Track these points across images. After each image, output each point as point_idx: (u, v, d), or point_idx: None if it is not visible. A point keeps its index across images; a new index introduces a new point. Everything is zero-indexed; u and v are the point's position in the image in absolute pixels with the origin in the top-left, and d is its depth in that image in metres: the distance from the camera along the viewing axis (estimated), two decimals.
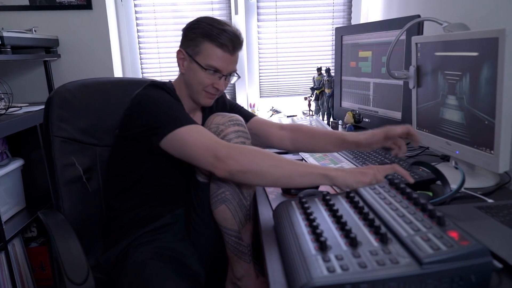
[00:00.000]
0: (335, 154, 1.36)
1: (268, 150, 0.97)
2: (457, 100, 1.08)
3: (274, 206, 0.97)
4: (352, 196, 0.82)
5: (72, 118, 1.16)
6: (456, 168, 1.10)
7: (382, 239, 0.63)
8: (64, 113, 1.14)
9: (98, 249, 1.15)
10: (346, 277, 0.55)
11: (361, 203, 0.77)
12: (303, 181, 0.90)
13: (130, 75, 2.30)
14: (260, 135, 1.23)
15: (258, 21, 2.32)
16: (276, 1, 2.30)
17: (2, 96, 1.71)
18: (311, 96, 2.12)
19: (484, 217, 0.83)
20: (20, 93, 2.04)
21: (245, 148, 0.94)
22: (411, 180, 0.92)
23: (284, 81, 2.43)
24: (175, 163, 1.02)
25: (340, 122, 1.90)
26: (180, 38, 1.13)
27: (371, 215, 0.70)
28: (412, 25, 1.27)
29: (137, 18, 2.26)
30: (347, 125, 1.76)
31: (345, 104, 1.87)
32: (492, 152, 0.96)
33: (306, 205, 0.80)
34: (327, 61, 2.38)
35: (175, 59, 1.13)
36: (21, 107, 1.77)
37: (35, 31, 1.90)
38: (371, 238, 0.65)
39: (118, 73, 2.20)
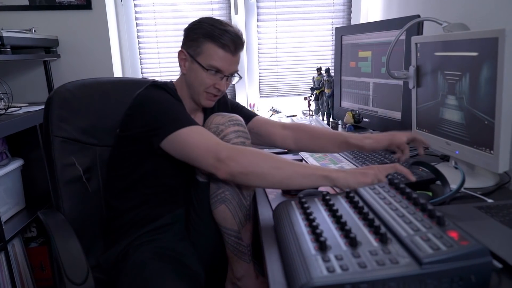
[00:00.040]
0: (335, 154, 1.36)
1: (267, 151, 0.97)
2: (457, 100, 1.08)
3: (273, 206, 0.97)
4: (351, 196, 0.82)
5: (72, 118, 1.16)
6: (456, 168, 1.10)
7: (382, 239, 0.63)
8: (64, 113, 1.14)
9: (98, 249, 1.15)
10: (345, 277, 0.55)
11: (360, 203, 0.77)
12: (304, 182, 0.90)
13: (129, 75, 2.30)
14: (263, 134, 1.23)
15: (258, 21, 2.32)
16: (276, 1, 2.30)
17: (2, 96, 1.71)
18: (310, 96, 2.12)
19: (484, 217, 0.83)
20: (19, 93, 2.04)
21: (246, 150, 0.94)
22: (413, 179, 0.92)
23: (284, 81, 2.43)
24: (175, 163, 1.02)
25: (339, 122, 1.90)
26: (180, 38, 1.12)
27: (371, 215, 0.70)
28: (412, 25, 1.27)
29: (136, 18, 2.26)
30: (347, 125, 1.76)
31: (345, 104, 1.87)
32: (491, 152, 0.96)
33: (305, 205, 0.80)
34: (327, 61, 2.38)
35: (175, 59, 1.13)
36: (20, 107, 1.77)
37: (34, 31, 1.90)
38: (371, 238, 0.65)
39: (117, 73, 2.20)
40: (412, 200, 0.74)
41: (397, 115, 1.52)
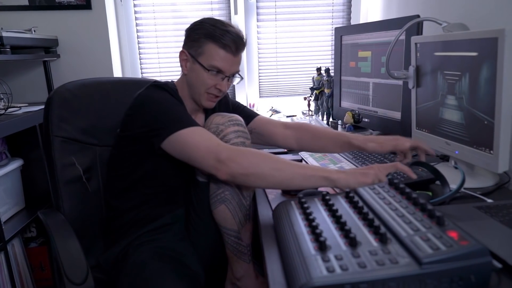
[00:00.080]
0: (335, 154, 1.36)
1: (267, 151, 0.97)
2: (457, 100, 1.08)
3: (273, 206, 0.97)
4: (351, 196, 0.82)
5: (72, 118, 1.16)
6: (456, 168, 1.10)
7: (382, 239, 0.63)
8: (64, 113, 1.14)
9: (98, 249, 1.15)
10: (345, 277, 0.55)
11: (360, 203, 0.77)
12: (305, 183, 0.90)
13: (129, 75, 2.30)
14: (264, 134, 1.23)
15: (257, 21, 2.32)
16: (275, 1, 2.30)
17: (2, 96, 1.71)
18: (310, 96, 2.12)
19: (484, 217, 0.83)
20: (19, 93, 2.04)
21: (247, 151, 0.94)
22: (414, 176, 0.92)
23: (283, 81, 2.43)
24: (175, 163, 1.02)
25: (339, 122, 1.90)
26: (179, 38, 1.13)
27: (371, 215, 0.70)
28: (412, 25, 1.27)
29: (136, 18, 2.25)
30: (347, 125, 1.76)
31: (345, 104, 1.87)
32: (491, 152, 0.96)
33: (305, 205, 0.80)
34: (327, 61, 2.38)
35: (175, 59, 1.13)
36: (20, 107, 1.77)
37: (34, 31, 1.90)
38: (371, 238, 0.65)
39: (117, 73, 2.20)
40: (411, 200, 0.74)
41: (397, 115, 1.52)
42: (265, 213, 0.98)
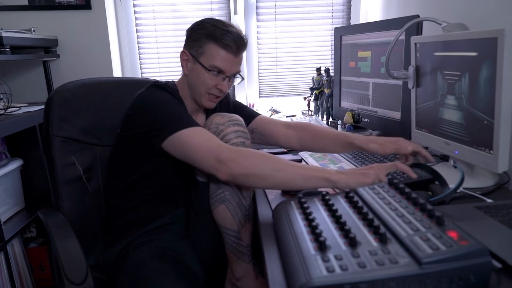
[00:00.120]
0: (335, 154, 1.36)
1: (266, 151, 0.97)
2: (456, 100, 1.08)
3: (273, 206, 0.97)
4: (351, 196, 0.82)
5: (72, 117, 1.16)
6: (455, 167, 1.10)
7: (381, 239, 0.63)
8: (65, 112, 1.15)
9: (98, 248, 1.15)
10: (345, 277, 0.55)
11: (360, 203, 0.77)
12: (305, 184, 0.90)
13: (129, 75, 2.30)
14: (266, 134, 1.23)
15: (257, 21, 2.32)
16: (275, 1, 2.30)
17: (1, 96, 1.71)
18: (310, 96, 2.12)
19: (483, 217, 0.83)
20: (19, 93, 2.04)
21: (247, 151, 0.93)
22: (414, 176, 0.92)
23: (283, 81, 2.43)
24: (175, 163, 1.02)
25: (339, 122, 1.90)
26: (179, 38, 1.13)
27: (370, 215, 0.70)
28: (411, 25, 1.27)
29: (136, 18, 2.25)
30: (346, 125, 1.76)
31: (344, 104, 1.87)
32: (491, 152, 0.96)
33: (305, 205, 0.80)
34: (326, 61, 2.38)
35: (174, 59, 1.14)
36: (20, 107, 1.77)
37: (34, 31, 1.90)
38: (370, 238, 0.65)
39: (117, 73, 2.20)
40: (411, 200, 0.74)
41: (397, 115, 1.52)
42: (265, 213, 0.98)
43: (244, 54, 1.14)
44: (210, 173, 0.95)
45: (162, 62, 2.30)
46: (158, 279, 0.95)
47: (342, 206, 0.80)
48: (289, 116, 2.09)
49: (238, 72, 1.12)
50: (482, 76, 0.97)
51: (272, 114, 2.21)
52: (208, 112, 1.20)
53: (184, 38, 1.12)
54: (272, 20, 2.32)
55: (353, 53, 1.76)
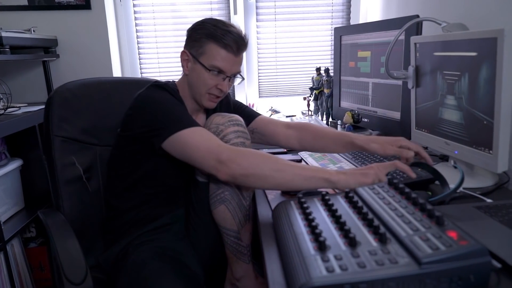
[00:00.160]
0: (335, 154, 1.36)
1: (265, 151, 0.97)
2: (456, 100, 1.08)
3: (273, 206, 0.97)
4: (351, 196, 0.82)
5: (72, 117, 1.16)
6: (455, 167, 1.10)
7: (381, 239, 0.63)
8: (65, 112, 1.15)
9: (98, 248, 1.15)
10: (345, 277, 0.55)
11: (360, 203, 0.77)
12: (305, 185, 0.90)
13: (129, 75, 2.30)
14: (266, 134, 1.23)
15: (257, 21, 2.32)
16: (275, 1, 2.30)
17: (1, 96, 1.71)
18: (310, 96, 2.12)
19: (483, 217, 0.83)
20: (19, 93, 2.04)
21: (247, 152, 0.93)
22: (413, 175, 0.92)
23: (283, 81, 2.43)
24: (176, 163, 1.02)
25: (339, 122, 1.90)
26: (179, 38, 1.13)
27: (370, 215, 0.70)
28: (411, 25, 1.27)
29: (136, 18, 2.25)
30: (346, 125, 1.76)
31: (344, 104, 1.87)
32: (490, 152, 0.96)
33: (305, 205, 0.80)
34: (326, 61, 2.38)
35: (174, 59, 1.13)
36: (19, 107, 1.77)
37: (33, 31, 1.90)
38: (370, 238, 0.65)
39: (117, 73, 2.20)
40: (411, 200, 0.74)
41: (396, 115, 1.52)
42: (264, 213, 0.98)
43: (244, 54, 1.14)
44: (210, 173, 0.95)
45: (162, 62, 2.30)
46: (158, 279, 0.95)
47: (342, 206, 0.80)
48: (289, 116, 2.09)
49: (239, 72, 1.12)
50: (481, 76, 0.97)
51: (272, 114, 2.21)
52: (208, 112, 1.20)
53: (184, 38, 1.12)
54: (272, 20, 2.32)
55: (353, 53, 1.76)
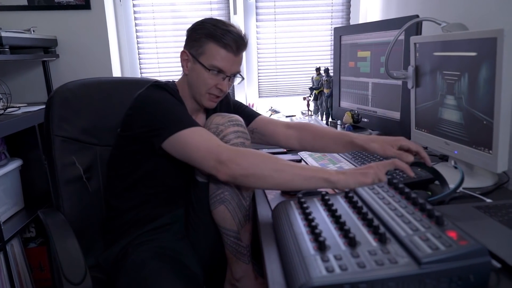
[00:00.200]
0: (334, 154, 1.36)
1: (265, 151, 0.97)
2: (456, 100, 1.08)
3: (273, 206, 0.97)
4: (351, 196, 0.82)
5: (73, 117, 1.16)
6: (456, 167, 1.10)
7: (381, 239, 0.63)
8: (65, 112, 1.15)
9: (98, 248, 1.15)
10: (345, 277, 0.55)
11: (359, 203, 0.77)
12: (305, 185, 0.90)
13: (128, 75, 2.30)
14: (266, 134, 1.23)
15: (257, 21, 2.32)
16: (274, 1, 2.30)
17: (1, 96, 1.71)
18: (309, 96, 2.12)
19: (483, 217, 0.83)
20: (18, 93, 2.03)
21: (247, 152, 0.93)
22: (412, 174, 0.92)
23: (283, 81, 2.43)
24: (176, 163, 1.02)
25: (338, 122, 1.90)
26: (179, 38, 1.13)
27: (370, 215, 0.70)
28: (411, 25, 1.27)
29: (135, 18, 2.25)
30: (346, 125, 1.76)
31: (344, 104, 1.87)
32: (490, 152, 0.96)
33: (305, 205, 0.80)
34: (326, 61, 2.38)
35: (174, 59, 1.13)
36: (19, 107, 1.77)
37: (33, 31, 1.90)
38: (370, 238, 0.65)
39: (116, 73, 2.20)
40: (411, 200, 0.74)
41: (396, 115, 1.52)
42: (264, 213, 0.98)
43: (244, 54, 1.14)
44: (210, 173, 0.95)
45: (162, 62, 2.30)
46: (157, 279, 0.95)
47: (342, 206, 0.80)
48: (289, 116, 2.09)
49: (238, 71, 1.12)
50: (481, 76, 0.97)
51: (271, 114, 2.21)
52: (208, 112, 1.20)
53: (184, 38, 1.12)
54: (271, 20, 2.32)
55: (353, 53, 1.76)
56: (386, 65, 1.31)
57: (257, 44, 2.35)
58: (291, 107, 2.31)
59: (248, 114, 1.24)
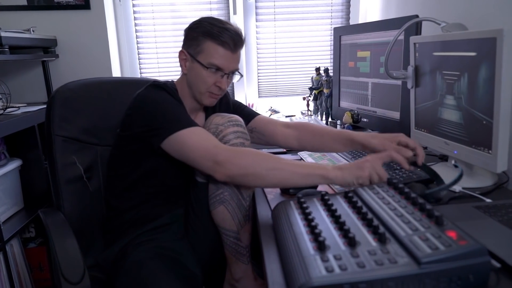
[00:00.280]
0: (334, 154, 1.36)
1: (265, 151, 0.97)
2: (455, 100, 1.08)
3: (272, 206, 0.97)
4: (350, 196, 0.82)
5: (73, 117, 1.16)
6: (456, 166, 1.10)
7: (381, 238, 0.63)
8: (66, 112, 1.15)
9: (98, 248, 1.15)
10: (344, 277, 0.55)
11: (359, 203, 0.77)
12: (303, 182, 0.91)
13: (128, 75, 2.30)
14: (265, 133, 1.23)
15: (256, 21, 2.32)
16: (274, 1, 2.30)
17: (0, 96, 1.71)
18: (309, 96, 2.12)
19: (483, 217, 0.83)
20: (18, 93, 2.03)
21: (244, 151, 0.93)
22: (407, 167, 0.93)
23: (282, 81, 2.43)
24: (175, 163, 1.02)
25: (338, 122, 1.90)
26: (178, 38, 1.13)
27: (370, 215, 0.70)
28: (411, 25, 1.27)
29: (135, 18, 2.25)
30: (346, 125, 1.76)
31: (344, 104, 1.87)
32: (490, 152, 0.96)
33: (304, 205, 0.80)
34: (326, 61, 2.38)
35: (174, 59, 1.13)
36: (19, 107, 1.77)
37: (33, 31, 1.89)
38: (370, 238, 0.65)
39: (116, 73, 2.20)
40: (410, 199, 0.74)
41: (396, 115, 1.52)
42: (264, 213, 0.98)
43: (243, 54, 1.14)
44: (208, 173, 0.95)
45: (161, 62, 2.30)
46: (156, 279, 0.95)
47: (341, 206, 0.80)
48: (288, 116, 2.09)
49: (237, 69, 1.12)
50: (481, 76, 0.97)
51: (271, 114, 2.21)
52: (208, 112, 1.20)
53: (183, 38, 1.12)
54: (271, 20, 2.32)
55: (352, 53, 1.76)
56: (386, 65, 1.31)
57: (257, 44, 2.35)
58: (290, 107, 2.31)
59: (247, 114, 1.24)
